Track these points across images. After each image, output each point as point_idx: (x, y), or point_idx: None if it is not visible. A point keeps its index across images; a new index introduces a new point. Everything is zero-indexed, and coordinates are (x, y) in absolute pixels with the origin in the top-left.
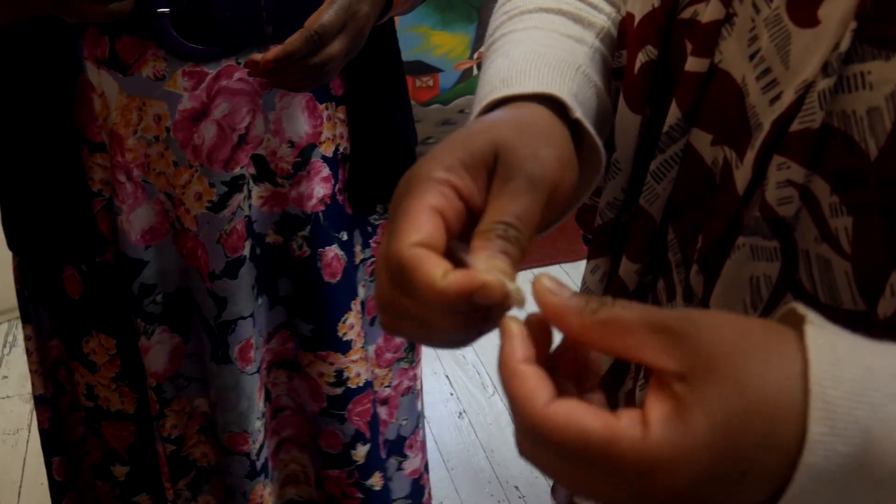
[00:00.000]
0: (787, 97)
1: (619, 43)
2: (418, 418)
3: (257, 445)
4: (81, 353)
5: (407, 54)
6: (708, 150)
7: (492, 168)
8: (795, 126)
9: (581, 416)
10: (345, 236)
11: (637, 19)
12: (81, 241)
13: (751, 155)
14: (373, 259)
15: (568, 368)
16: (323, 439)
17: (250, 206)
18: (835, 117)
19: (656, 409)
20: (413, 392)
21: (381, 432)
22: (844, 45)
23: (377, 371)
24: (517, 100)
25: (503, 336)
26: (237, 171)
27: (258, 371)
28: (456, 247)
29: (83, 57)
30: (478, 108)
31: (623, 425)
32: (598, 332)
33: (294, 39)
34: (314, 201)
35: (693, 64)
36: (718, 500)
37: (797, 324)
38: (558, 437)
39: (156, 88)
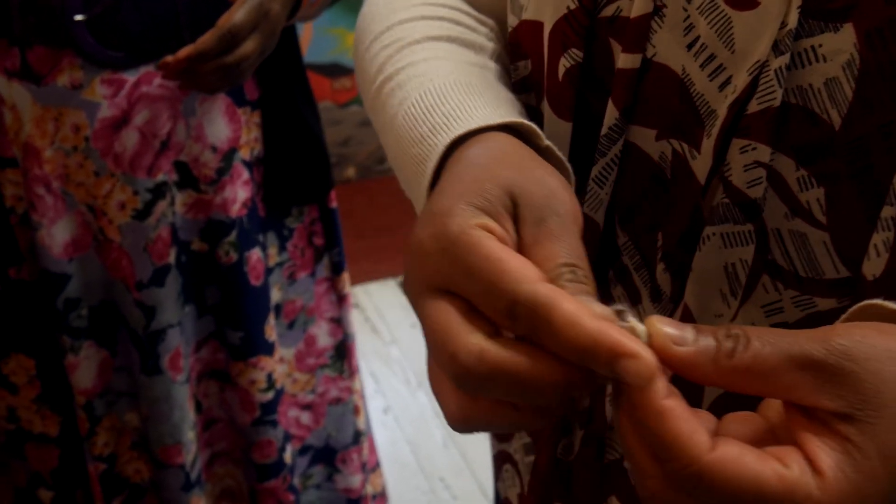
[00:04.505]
0: (740, 80)
1: (515, 55)
2: (357, 436)
3: (191, 456)
4: (0, 374)
5: (324, 56)
6: (653, 146)
7: (513, 213)
8: (754, 107)
9: (753, 464)
10: (261, 238)
11: (549, 25)
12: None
13: (708, 143)
14: (290, 262)
15: None
16: (257, 451)
17: (174, 213)
18: (791, 93)
19: (826, 454)
20: (345, 405)
21: (302, 437)
22: (792, 22)
23: (298, 375)
24: (476, 133)
25: (632, 371)
26: (160, 177)
27: (188, 381)
28: None
29: None
30: (430, 148)
31: (797, 475)
32: (739, 378)
33: (206, 38)
34: (238, 206)
35: (625, 61)
36: None
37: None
38: (731, 489)
39: (73, 98)
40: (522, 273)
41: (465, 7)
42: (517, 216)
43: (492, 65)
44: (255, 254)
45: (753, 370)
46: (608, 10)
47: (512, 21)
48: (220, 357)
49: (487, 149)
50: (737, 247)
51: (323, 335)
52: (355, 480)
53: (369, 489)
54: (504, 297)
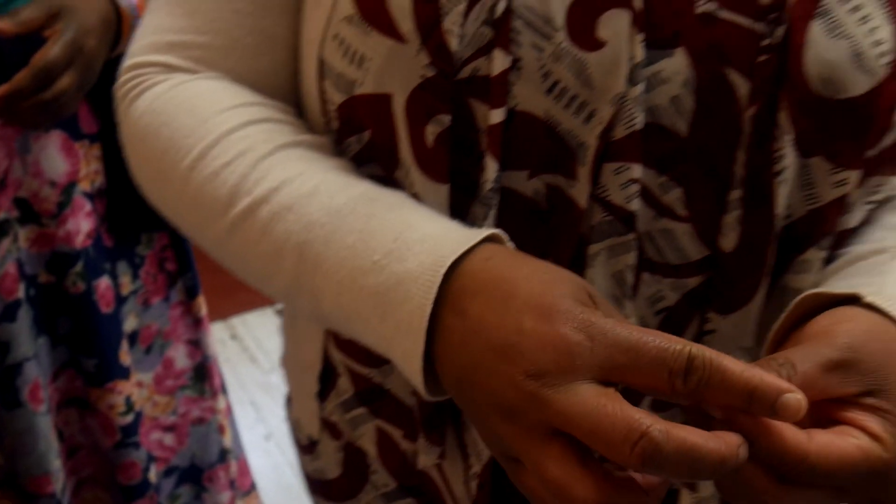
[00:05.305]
0: (605, 112)
1: (345, 131)
2: (223, 454)
3: (60, 484)
4: None
5: None
6: (526, 185)
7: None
8: (620, 133)
9: (840, 442)
10: (109, 267)
11: (402, 95)
12: None
13: (584, 171)
14: (144, 289)
15: None
16: (121, 474)
17: (19, 248)
18: (646, 114)
19: (873, 422)
20: (209, 425)
21: (167, 458)
22: (639, 55)
23: (158, 398)
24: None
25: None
26: (1, 215)
27: (48, 411)
28: None
29: None
30: (403, 274)
31: (868, 443)
32: None
33: (21, 76)
34: (82, 237)
35: (495, 116)
36: None
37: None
38: (833, 468)
39: None
40: (677, 339)
41: (270, 101)
42: (597, 305)
43: (343, 159)
44: (104, 282)
45: (804, 386)
46: (465, 72)
47: (336, 98)
48: (77, 384)
49: (514, 256)
50: (622, 255)
51: (181, 357)
52: (224, 498)
53: None
54: (680, 357)
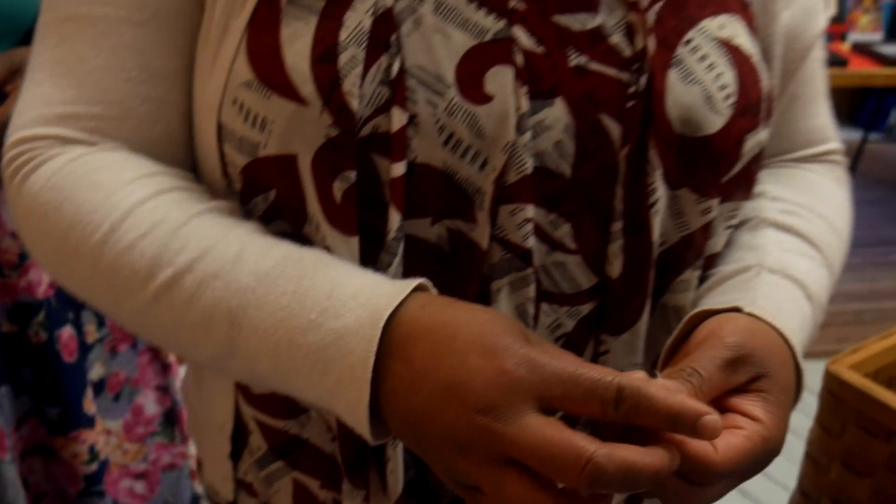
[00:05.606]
0: (498, 160)
1: (249, 191)
2: (195, 499)
3: None
4: None
5: None
6: (430, 231)
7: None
8: (513, 178)
9: (736, 441)
10: (72, 316)
11: (307, 156)
12: None
13: (482, 214)
14: (111, 337)
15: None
16: None
17: None
18: (534, 158)
19: (754, 406)
20: (181, 470)
21: None
22: (524, 106)
23: (128, 445)
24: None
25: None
26: None
27: (13, 459)
28: None
29: None
30: (341, 331)
31: (752, 429)
32: (704, 396)
33: None
34: (44, 287)
35: (396, 169)
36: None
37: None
38: (734, 465)
39: None
40: (609, 370)
41: (171, 169)
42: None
43: (255, 222)
44: (67, 332)
45: (711, 388)
46: (367, 130)
47: (239, 160)
48: (41, 433)
49: (446, 302)
50: (522, 289)
51: (150, 404)
52: None
53: None
54: (610, 388)
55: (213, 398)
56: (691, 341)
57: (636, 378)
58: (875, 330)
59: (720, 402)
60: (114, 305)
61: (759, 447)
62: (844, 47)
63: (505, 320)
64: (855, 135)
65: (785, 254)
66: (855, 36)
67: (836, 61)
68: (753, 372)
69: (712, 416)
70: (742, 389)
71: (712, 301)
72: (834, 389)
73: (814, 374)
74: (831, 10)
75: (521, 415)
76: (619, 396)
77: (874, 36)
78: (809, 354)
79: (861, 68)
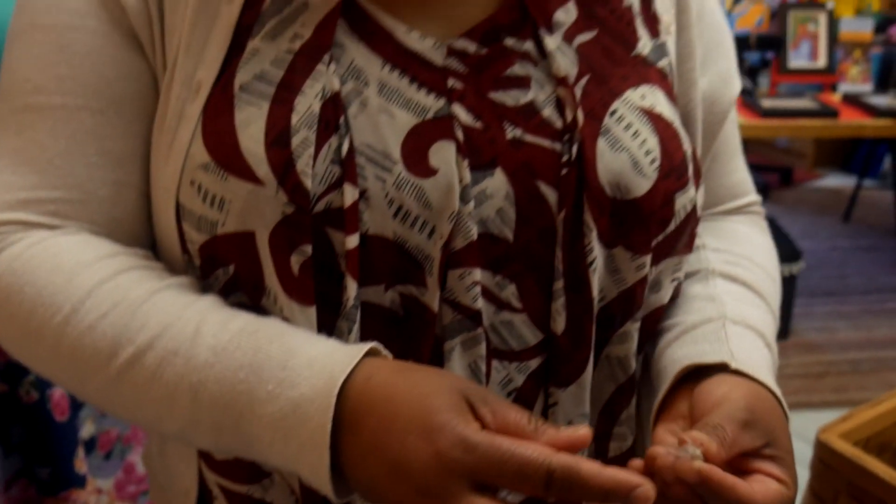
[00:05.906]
0: (444, 228)
1: (210, 266)
2: None
3: None
4: None
5: None
6: (384, 297)
7: (470, 405)
8: (459, 244)
9: (778, 487)
10: None
11: (265, 232)
12: None
13: (432, 279)
14: None
15: None
16: None
17: None
18: (478, 225)
19: (775, 469)
20: None
21: None
22: (466, 178)
23: None
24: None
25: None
26: None
27: None
28: None
29: None
30: (300, 401)
31: (777, 488)
32: (730, 451)
33: None
34: None
35: (350, 241)
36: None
37: (718, 371)
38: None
39: None
40: (541, 451)
41: (130, 249)
42: (472, 405)
43: (213, 295)
44: (58, 391)
45: (732, 443)
46: (321, 206)
47: (197, 238)
48: (30, 494)
49: (392, 371)
50: (474, 348)
51: (141, 462)
52: None
53: None
54: (540, 470)
55: (177, 466)
56: (704, 401)
57: (566, 458)
58: (872, 380)
59: (743, 466)
60: (78, 384)
61: (788, 500)
62: (835, 98)
63: (448, 392)
64: (849, 181)
65: (740, 304)
66: (845, 87)
67: (827, 112)
68: (764, 439)
69: (644, 487)
70: (757, 455)
71: (683, 352)
72: (825, 458)
73: (811, 424)
74: (744, 83)
75: (457, 496)
76: (550, 479)
77: (864, 87)
78: (807, 405)
79: (852, 119)
